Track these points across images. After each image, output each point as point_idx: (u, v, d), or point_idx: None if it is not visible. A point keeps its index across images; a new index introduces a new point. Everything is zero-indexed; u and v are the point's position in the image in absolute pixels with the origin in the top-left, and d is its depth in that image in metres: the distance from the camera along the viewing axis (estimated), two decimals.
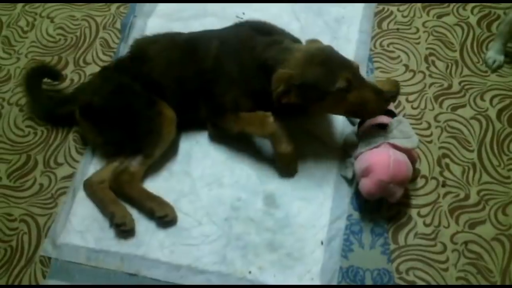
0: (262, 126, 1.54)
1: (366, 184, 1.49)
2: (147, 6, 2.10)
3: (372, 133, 1.55)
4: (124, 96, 1.63)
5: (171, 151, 1.68)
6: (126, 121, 1.61)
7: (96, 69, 1.92)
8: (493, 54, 1.84)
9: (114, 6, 2.14)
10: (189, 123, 1.71)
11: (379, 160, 1.47)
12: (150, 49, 1.71)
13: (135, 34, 2.00)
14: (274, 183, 1.63)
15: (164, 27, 1.99)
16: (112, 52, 1.99)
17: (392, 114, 1.60)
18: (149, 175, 1.65)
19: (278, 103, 1.46)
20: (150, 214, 1.56)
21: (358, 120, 1.64)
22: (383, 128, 1.54)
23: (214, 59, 1.62)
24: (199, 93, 1.64)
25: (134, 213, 1.58)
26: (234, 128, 1.59)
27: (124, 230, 1.53)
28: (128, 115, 1.61)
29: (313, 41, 1.62)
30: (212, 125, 1.69)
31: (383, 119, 1.56)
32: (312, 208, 1.58)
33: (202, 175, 1.66)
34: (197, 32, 1.78)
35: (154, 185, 1.63)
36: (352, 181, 1.60)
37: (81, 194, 1.63)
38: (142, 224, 1.56)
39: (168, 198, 1.60)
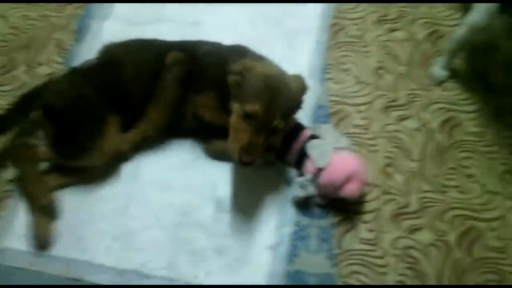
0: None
1: (354, 187, 1.55)
2: (104, 8, 2.10)
3: (313, 145, 1.60)
4: (81, 107, 1.60)
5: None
6: (75, 132, 1.59)
7: (48, 70, 1.91)
8: (438, 69, 1.93)
9: (70, 7, 2.12)
10: None
11: (355, 162, 1.58)
12: (120, 54, 1.71)
13: (91, 37, 2.01)
14: (224, 189, 1.65)
15: (121, 31, 2.01)
16: (66, 54, 1.97)
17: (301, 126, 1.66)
18: (99, 178, 1.65)
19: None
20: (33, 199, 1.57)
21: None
22: (314, 138, 1.61)
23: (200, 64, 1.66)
24: None
25: (80, 219, 1.57)
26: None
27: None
28: (78, 128, 1.59)
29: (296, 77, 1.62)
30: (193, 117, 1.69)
31: (307, 132, 1.63)
32: (261, 213, 1.61)
33: (152, 179, 1.67)
34: (174, 40, 1.79)
35: (104, 189, 1.63)
36: (309, 197, 1.62)
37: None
38: (87, 230, 1.56)
39: (117, 202, 1.61)
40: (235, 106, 1.48)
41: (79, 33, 2.02)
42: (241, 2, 2.14)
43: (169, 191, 1.64)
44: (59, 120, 1.59)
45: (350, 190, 1.56)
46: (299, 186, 1.58)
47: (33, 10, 2.10)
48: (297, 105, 1.57)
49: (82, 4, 2.12)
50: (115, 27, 2.05)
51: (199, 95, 1.65)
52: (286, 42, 2.02)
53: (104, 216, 1.59)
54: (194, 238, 1.56)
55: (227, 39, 1.94)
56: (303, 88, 1.57)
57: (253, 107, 1.42)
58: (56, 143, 1.59)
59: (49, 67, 1.93)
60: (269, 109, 1.43)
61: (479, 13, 1.67)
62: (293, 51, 1.99)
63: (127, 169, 1.68)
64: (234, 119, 1.48)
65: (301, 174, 1.62)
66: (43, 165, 1.63)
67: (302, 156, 1.60)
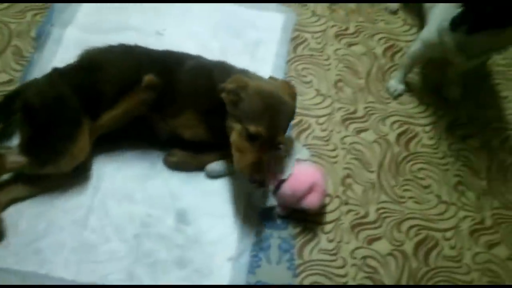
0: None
1: (315, 198, 1.58)
2: (65, 15, 2.06)
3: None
4: (59, 107, 1.58)
5: (82, 166, 1.64)
6: (51, 133, 1.55)
7: (6, 78, 1.86)
8: (395, 83, 2.00)
9: (30, 13, 2.07)
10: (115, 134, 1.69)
11: (316, 173, 1.61)
12: (100, 58, 1.68)
13: (51, 44, 1.96)
14: (186, 200, 1.65)
15: (82, 39, 1.97)
16: (25, 61, 1.92)
17: None
18: (59, 189, 1.62)
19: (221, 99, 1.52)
20: None
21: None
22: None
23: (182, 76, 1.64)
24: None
25: (38, 231, 1.53)
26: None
27: None
28: (53, 129, 1.55)
29: (273, 79, 1.69)
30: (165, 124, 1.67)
31: None
32: (222, 224, 1.62)
33: (113, 190, 1.64)
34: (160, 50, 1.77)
35: (64, 200, 1.60)
36: (270, 208, 1.63)
37: None
38: (46, 242, 1.52)
39: (77, 213, 1.58)
40: (236, 126, 1.50)
41: (39, 40, 1.98)
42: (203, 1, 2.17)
43: (130, 203, 1.63)
44: (36, 120, 1.56)
45: (311, 201, 1.58)
46: (260, 196, 1.60)
47: None
48: (293, 113, 1.59)
49: (42, 10, 2.08)
50: (76, 34, 2.01)
51: (178, 116, 1.63)
52: (248, 53, 2.04)
53: (63, 228, 1.56)
54: (155, 250, 1.54)
55: (190, 49, 1.95)
56: (294, 95, 1.61)
57: (257, 128, 1.44)
58: (31, 145, 1.55)
59: (7, 74, 1.88)
60: (272, 127, 1.46)
61: (430, 30, 1.75)
62: (255, 62, 2.00)
63: (88, 179, 1.66)
64: (237, 140, 1.50)
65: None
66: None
67: None
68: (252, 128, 1.44)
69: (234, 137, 1.51)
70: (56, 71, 1.69)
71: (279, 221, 1.64)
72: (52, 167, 1.54)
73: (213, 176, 1.70)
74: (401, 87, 2.00)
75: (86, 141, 1.58)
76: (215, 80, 1.57)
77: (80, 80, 1.63)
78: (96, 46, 1.73)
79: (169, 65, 1.67)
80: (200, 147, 1.69)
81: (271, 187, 1.60)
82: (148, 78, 1.60)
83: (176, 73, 1.65)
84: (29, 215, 1.56)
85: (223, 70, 1.65)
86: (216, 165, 1.69)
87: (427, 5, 1.87)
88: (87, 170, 1.67)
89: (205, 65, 1.69)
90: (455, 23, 1.53)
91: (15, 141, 1.64)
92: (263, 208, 1.61)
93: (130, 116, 1.63)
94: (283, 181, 1.58)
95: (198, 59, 1.73)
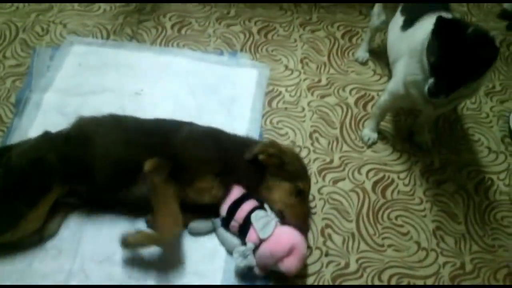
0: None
1: (293, 262, 1.56)
2: (44, 80, 2.11)
3: (258, 216, 1.62)
4: (32, 171, 1.59)
5: (51, 236, 1.65)
6: (10, 193, 1.56)
7: None
8: (368, 132, 2.05)
9: (9, 80, 2.12)
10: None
11: (296, 237, 1.60)
12: (90, 130, 1.69)
13: (30, 109, 1.99)
14: (166, 260, 1.64)
15: (62, 102, 2.03)
16: (5, 127, 1.95)
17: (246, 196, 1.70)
18: (37, 253, 1.60)
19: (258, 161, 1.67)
20: None
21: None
22: (258, 209, 1.65)
23: (183, 143, 1.67)
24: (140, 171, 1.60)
25: None
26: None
27: None
28: (15, 189, 1.56)
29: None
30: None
31: (251, 203, 1.66)
32: (203, 282, 1.61)
33: (93, 252, 1.63)
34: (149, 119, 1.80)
35: (43, 265, 1.58)
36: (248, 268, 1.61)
37: None
38: None
39: (57, 278, 1.56)
40: (283, 185, 1.67)
41: (18, 106, 2.01)
42: None
43: (110, 264, 1.61)
44: (8, 178, 1.58)
45: (289, 265, 1.56)
46: (240, 255, 1.58)
47: None
48: None
49: (21, 76, 2.13)
50: (55, 98, 2.05)
51: (194, 183, 1.64)
52: (224, 109, 2.09)
53: None
54: None
55: (167, 108, 2.01)
56: None
57: (304, 185, 1.70)
58: None
59: None
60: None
61: (397, 83, 1.82)
62: (231, 117, 2.06)
63: (68, 242, 1.65)
64: (285, 197, 1.67)
65: (243, 244, 1.63)
66: None
67: (246, 225, 1.62)
68: (302, 185, 1.68)
69: (281, 195, 1.67)
70: (46, 135, 1.72)
71: (260, 276, 1.62)
72: (9, 234, 1.54)
73: (195, 233, 1.70)
74: (374, 135, 2.05)
75: (45, 210, 1.60)
76: (225, 143, 1.72)
77: (67, 150, 1.65)
78: (86, 116, 1.74)
79: (164, 133, 1.70)
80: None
81: (252, 245, 1.58)
82: (148, 163, 1.59)
83: (173, 140, 1.67)
84: (10, 281, 1.55)
85: (224, 133, 1.79)
86: (199, 223, 1.70)
87: (392, 58, 1.95)
88: (66, 233, 1.66)
89: (204, 130, 1.77)
90: (433, 93, 1.58)
91: None
92: (243, 267, 1.58)
93: (175, 198, 1.60)
94: (263, 240, 1.57)
95: (190, 125, 1.77)
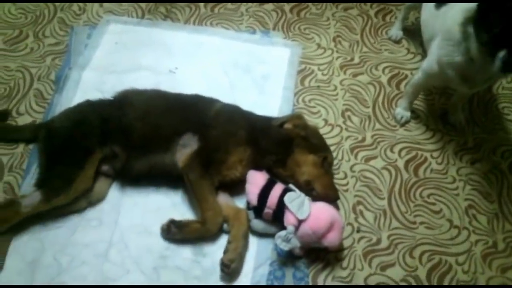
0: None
1: (336, 235, 1.60)
2: (82, 58, 2.17)
3: (291, 197, 1.63)
4: (75, 132, 1.71)
5: (100, 201, 1.73)
6: (57, 156, 1.67)
7: (29, 119, 1.96)
8: (401, 110, 2.05)
9: (49, 58, 2.19)
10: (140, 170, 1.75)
11: (334, 211, 1.64)
12: (133, 97, 1.83)
13: (70, 86, 2.06)
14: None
15: (99, 80, 2.09)
16: (46, 104, 2.02)
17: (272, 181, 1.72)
18: (80, 224, 1.68)
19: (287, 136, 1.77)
20: None
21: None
22: (289, 191, 1.66)
23: (215, 117, 1.77)
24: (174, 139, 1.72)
25: (63, 265, 1.59)
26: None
27: None
28: (61, 151, 1.68)
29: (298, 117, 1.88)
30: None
31: (279, 186, 1.68)
32: None
33: (131, 224, 1.70)
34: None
35: (84, 235, 1.66)
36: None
37: None
38: (69, 276, 1.57)
39: (98, 247, 1.63)
40: (309, 157, 1.74)
41: (58, 83, 2.08)
42: None
43: (148, 236, 1.68)
44: (52, 141, 1.71)
45: (332, 239, 1.60)
46: (283, 240, 1.58)
47: (12, 62, 2.16)
48: None
49: (61, 54, 2.20)
50: (93, 76, 2.12)
51: (228, 157, 1.70)
52: (256, 88, 2.12)
53: (85, 262, 1.61)
54: (173, 282, 1.58)
55: (201, 86, 2.05)
56: None
57: (330, 155, 1.81)
58: (45, 176, 1.66)
59: (29, 116, 1.97)
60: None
61: (431, 62, 1.80)
62: (263, 96, 2.09)
63: (108, 214, 1.72)
64: (312, 169, 1.74)
65: (280, 229, 1.62)
66: None
67: (280, 210, 1.63)
68: (329, 156, 1.79)
69: (309, 166, 1.74)
70: (88, 101, 1.85)
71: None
72: (63, 196, 1.62)
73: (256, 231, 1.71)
74: (407, 114, 2.05)
75: (93, 171, 1.69)
76: (250, 118, 1.82)
77: (109, 111, 1.77)
78: (130, 88, 1.88)
79: (199, 107, 1.81)
80: None
81: (292, 228, 1.59)
82: (182, 158, 1.68)
83: (208, 112, 1.78)
84: (52, 251, 1.62)
85: (252, 113, 1.87)
86: (259, 223, 1.70)
87: (426, 37, 1.93)
88: (106, 205, 1.73)
89: (235, 106, 1.87)
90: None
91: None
92: (287, 251, 1.61)
93: (212, 191, 1.69)
94: (302, 221, 1.60)
95: (222, 102, 1.87)
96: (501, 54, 1.49)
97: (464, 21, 1.61)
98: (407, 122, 2.05)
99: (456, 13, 1.66)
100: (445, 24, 1.71)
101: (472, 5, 1.59)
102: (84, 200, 1.70)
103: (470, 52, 1.62)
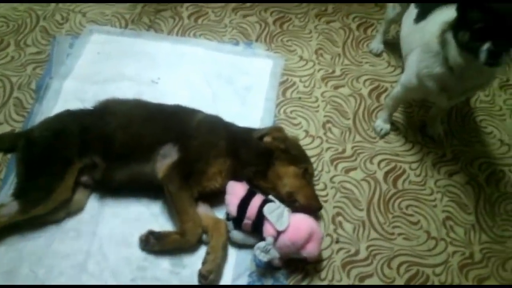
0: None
1: (314, 246, 1.61)
2: (63, 68, 2.17)
3: (270, 208, 1.64)
4: (55, 142, 1.70)
5: (79, 211, 1.72)
6: (36, 166, 1.66)
7: (8, 128, 1.95)
8: (381, 123, 2.08)
9: (30, 67, 2.18)
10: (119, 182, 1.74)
11: (312, 222, 1.65)
12: (114, 106, 1.83)
13: (50, 95, 2.05)
14: None
15: (80, 89, 2.08)
16: (25, 113, 2.01)
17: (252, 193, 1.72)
18: (58, 235, 1.66)
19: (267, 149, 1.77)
20: None
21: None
22: (268, 202, 1.67)
23: (197, 127, 1.78)
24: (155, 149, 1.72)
25: (40, 276, 1.57)
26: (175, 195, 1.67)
27: None
28: (40, 161, 1.66)
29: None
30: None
31: (259, 198, 1.69)
32: None
33: (110, 235, 1.69)
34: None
35: (62, 245, 1.64)
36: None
37: None
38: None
39: (76, 258, 1.62)
40: (289, 169, 1.75)
41: (39, 92, 2.07)
42: None
43: (127, 246, 1.67)
44: (31, 151, 1.69)
45: (311, 250, 1.61)
46: (262, 251, 1.58)
47: None
48: None
49: (42, 64, 2.19)
50: (74, 85, 2.11)
51: (209, 168, 1.71)
52: (239, 99, 2.14)
53: (62, 272, 1.60)
54: None
55: (184, 96, 2.05)
56: None
57: (310, 166, 1.81)
58: (23, 186, 1.64)
59: (9, 125, 1.96)
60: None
61: (410, 76, 1.83)
62: (245, 107, 2.10)
63: (86, 224, 1.71)
64: (294, 180, 1.74)
65: (258, 240, 1.63)
66: None
67: (259, 221, 1.64)
68: (310, 167, 1.81)
69: (290, 178, 1.74)
70: (68, 111, 1.84)
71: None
72: (41, 207, 1.60)
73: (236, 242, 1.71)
74: (387, 126, 2.08)
75: (72, 181, 1.68)
76: (231, 129, 1.83)
77: (89, 121, 1.77)
78: (111, 98, 1.88)
79: (180, 117, 1.82)
80: None
81: (271, 239, 1.60)
82: (161, 170, 1.68)
83: (189, 123, 1.79)
84: (29, 262, 1.61)
85: (233, 124, 1.89)
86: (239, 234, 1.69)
87: (404, 51, 1.97)
88: (84, 216, 1.72)
89: (216, 117, 1.88)
90: (495, 55, 1.50)
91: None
92: (266, 262, 1.60)
93: (192, 202, 1.69)
94: (281, 232, 1.60)
95: (203, 113, 1.87)
96: (486, 46, 1.51)
97: (442, 32, 1.65)
98: (386, 134, 2.08)
99: (433, 26, 1.70)
100: (424, 38, 1.75)
101: (449, 17, 1.64)
102: (62, 211, 1.69)
103: (449, 61, 1.65)
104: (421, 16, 1.87)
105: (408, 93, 1.92)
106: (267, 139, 1.78)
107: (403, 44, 2.00)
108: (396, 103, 2.03)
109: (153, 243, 1.64)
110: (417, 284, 1.68)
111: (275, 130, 1.84)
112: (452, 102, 1.91)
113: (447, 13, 1.68)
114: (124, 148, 1.72)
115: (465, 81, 1.70)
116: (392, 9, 2.24)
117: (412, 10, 1.96)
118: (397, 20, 2.28)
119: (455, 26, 1.61)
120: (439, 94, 1.78)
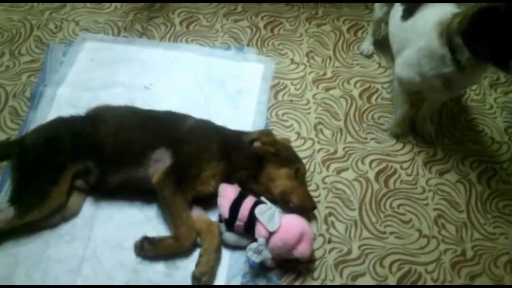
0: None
1: (306, 246, 1.62)
2: (57, 76, 2.19)
3: (261, 210, 1.66)
4: (48, 149, 1.72)
5: (74, 216, 1.74)
6: (30, 172, 1.68)
7: (3, 136, 1.97)
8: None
9: (25, 75, 2.21)
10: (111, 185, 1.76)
11: (303, 222, 1.67)
12: (106, 113, 1.85)
13: (44, 103, 2.08)
14: None
15: (74, 96, 2.10)
16: (20, 121, 2.03)
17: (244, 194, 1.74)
18: (53, 239, 1.68)
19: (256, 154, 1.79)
20: None
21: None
22: (260, 203, 1.69)
23: (189, 132, 1.80)
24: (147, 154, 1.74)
25: (36, 281, 1.58)
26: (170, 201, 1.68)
27: None
28: (35, 168, 1.68)
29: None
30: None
31: (251, 200, 1.70)
32: None
33: (105, 239, 1.71)
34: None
35: (57, 250, 1.66)
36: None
37: None
38: None
39: (71, 262, 1.64)
40: (281, 171, 1.77)
41: (33, 100, 2.09)
42: None
43: (121, 250, 1.69)
44: (25, 159, 1.70)
45: (302, 250, 1.62)
46: (254, 252, 1.60)
47: None
48: None
49: (36, 72, 2.22)
50: (68, 93, 2.13)
51: (201, 172, 1.72)
52: (230, 102, 2.16)
53: (58, 277, 1.62)
54: None
55: (176, 101, 2.08)
56: None
57: (302, 166, 1.84)
58: (18, 192, 1.66)
59: (4, 133, 1.99)
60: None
61: (409, 73, 1.85)
62: (237, 110, 2.12)
63: (81, 228, 1.72)
64: (287, 181, 1.76)
65: (251, 241, 1.64)
66: None
67: (251, 222, 1.65)
68: (301, 167, 1.83)
69: (283, 180, 1.77)
70: (60, 118, 1.86)
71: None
72: (37, 212, 1.63)
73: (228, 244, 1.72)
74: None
75: (66, 187, 1.70)
76: (223, 132, 1.85)
77: (81, 127, 1.79)
78: (103, 105, 1.90)
79: (172, 122, 1.84)
80: None
81: (263, 240, 1.61)
82: (155, 177, 1.70)
83: (181, 129, 1.81)
84: (25, 266, 1.62)
85: (225, 128, 1.90)
86: (231, 235, 1.71)
87: (395, 48, 2.00)
88: (79, 220, 1.74)
89: (207, 122, 1.90)
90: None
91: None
92: (258, 263, 1.61)
93: (186, 206, 1.70)
94: (273, 233, 1.62)
95: (195, 118, 1.89)
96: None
97: (443, 34, 1.66)
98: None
99: (425, 26, 1.73)
100: (420, 39, 1.77)
101: (444, 16, 1.67)
102: (58, 215, 1.71)
103: (462, 63, 1.66)
104: (407, 14, 1.90)
105: (406, 86, 1.94)
106: (256, 144, 1.79)
107: (393, 42, 2.03)
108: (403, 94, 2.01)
109: (148, 249, 1.66)
110: (409, 282, 1.69)
111: (264, 135, 1.85)
112: (452, 96, 1.93)
113: (433, 11, 1.71)
114: (116, 154, 1.74)
115: (475, 77, 1.73)
116: (379, 9, 2.28)
117: (398, 8, 2.00)
118: (385, 20, 2.30)
119: (467, 36, 1.58)
120: (442, 90, 1.81)
